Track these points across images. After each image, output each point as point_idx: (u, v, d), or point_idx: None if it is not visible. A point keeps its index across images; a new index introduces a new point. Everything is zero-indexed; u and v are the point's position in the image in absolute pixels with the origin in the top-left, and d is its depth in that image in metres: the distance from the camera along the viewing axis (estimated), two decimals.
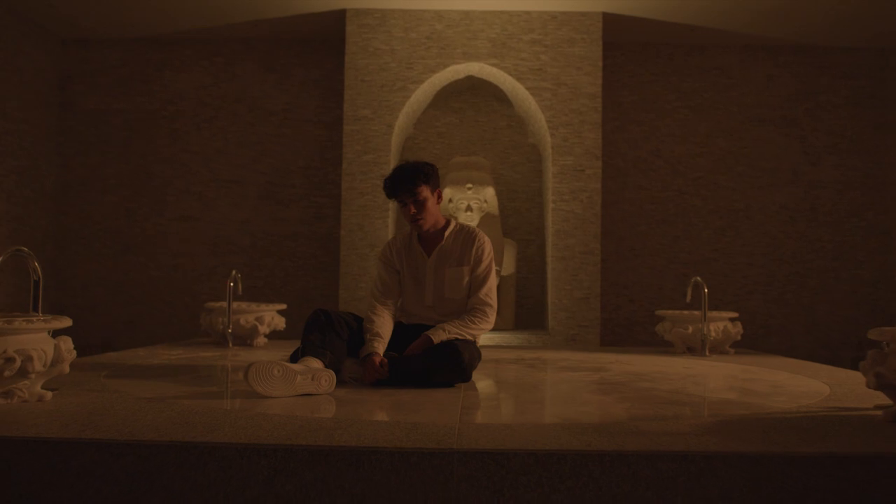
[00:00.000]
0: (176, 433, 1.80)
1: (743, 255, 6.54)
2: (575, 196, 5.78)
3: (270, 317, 4.36)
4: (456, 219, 2.98)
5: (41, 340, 2.14)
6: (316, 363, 2.56)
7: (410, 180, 2.87)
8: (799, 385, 2.94)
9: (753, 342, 6.21)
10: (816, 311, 6.49)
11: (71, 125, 6.61)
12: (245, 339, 4.30)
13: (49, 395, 2.22)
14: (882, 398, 2.44)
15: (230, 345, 4.18)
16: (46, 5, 5.87)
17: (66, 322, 2.23)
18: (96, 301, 6.50)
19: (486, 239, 3.02)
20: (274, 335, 4.62)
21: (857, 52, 6.59)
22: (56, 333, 2.34)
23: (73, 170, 6.61)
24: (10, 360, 2.02)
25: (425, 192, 2.89)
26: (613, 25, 6.03)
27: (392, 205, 5.81)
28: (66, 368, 2.24)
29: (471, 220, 5.83)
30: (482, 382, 2.93)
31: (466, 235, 3.00)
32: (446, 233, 3.00)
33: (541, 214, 6.54)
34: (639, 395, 2.62)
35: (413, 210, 2.90)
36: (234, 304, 4.20)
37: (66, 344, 2.23)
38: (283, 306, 4.50)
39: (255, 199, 6.56)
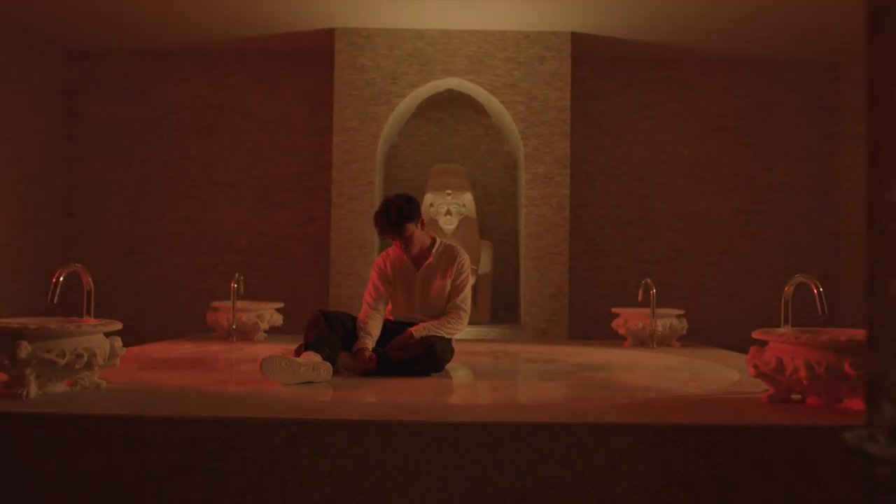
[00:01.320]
0: (214, 410, 2.42)
1: (702, 254, 7.20)
2: (545, 201, 6.41)
3: (269, 314, 4.98)
4: (437, 236, 3.61)
5: (100, 340, 2.75)
6: (316, 357, 3.18)
7: (397, 224, 3.47)
8: (715, 373, 3.59)
9: (710, 336, 6.88)
10: (769, 306, 7.16)
11: (77, 133, 7.16)
12: (247, 334, 4.91)
13: (104, 383, 2.84)
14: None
15: (234, 339, 4.79)
16: (53, 20, 6.41)
17: (118, 325, 2.84)
18: (102, 298, 7.05)
19: (466, 255, 3.66)
20: (273, 330, 5.23)
21: (809, 66, 7.24)
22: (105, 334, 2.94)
23: (79, 174, 7.16)
24: (79, 356, 2.62)
25: (411, 228, 3.50)
26: (582, 43, 6.64)
27: (369, 208, 6.41)
28: (118, 362, 2.85)
29: (450, 223, 6.45)
30: (454, 372, 3.57)
31: (450, 253, 3.63)
32: (433, 251, 3.63)
33: (515, 217, 7.17)
34: (579, 382, 3.26)
35: (403, 244, 3.53)
36: (238, 303, 4.81)
37: (117, 342, 2.83)
38: (281, 304, 5.11)
39: (251, 202, 7.14)
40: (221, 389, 2.86)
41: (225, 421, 2.32)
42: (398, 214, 3.46)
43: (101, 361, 2.70)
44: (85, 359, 2.63)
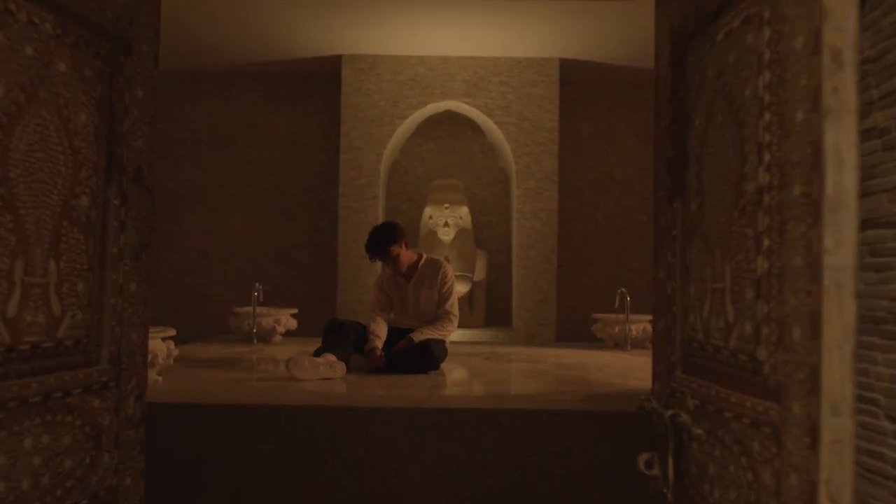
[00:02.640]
0: (255, 399, 3.09)
1: None
2: (535, 215, 7.08)
3: (285, 319, 5.65)
4: (423, 252, 4.34)
5: (159, 343, 3.41)
6: (332, 357, 3.85)
7: (381, 249, 4.15)
8: None
9: None
10: None
11: None
12: (265, 336, 5.58)
13: (161, 379, 3.51)
14: None
15: (255, 341, 5.46)
16: None
17: (172, 332, 3.51)
18: None
19: (448, 266, 4.33)
20: (288, 334, 5.90)
21: None
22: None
23: None
24: (153, 356, 3.29)
25: (395, 250, 4.18)
26: (571, 67, 7.30)
27: (374, 220, 7.08)
28: (172, 362, 3.52)
29: (447, 234, 7.12)
30: (449, 370, 4.23)
31: (434, 265, 4.31)
32: (419, 265, 4.30)
33: (508, 229, 7.84)
34: (553, 379, 3.93)
35: (391, 264, 4.21)
36: (257, 309, 5.48)
37: (170, 345, 3.50)
38: (296, 310, 5.78)
39: (264, 213, 7.81)
40: (255, 383, 3.53)
41: (264, 407, 2.98)
42: (380, 243, 4.14)
43: (160, 361, 3.37)
44: (149, 359, 3.29)
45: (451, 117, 7.77)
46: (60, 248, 1.54)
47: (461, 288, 6.91)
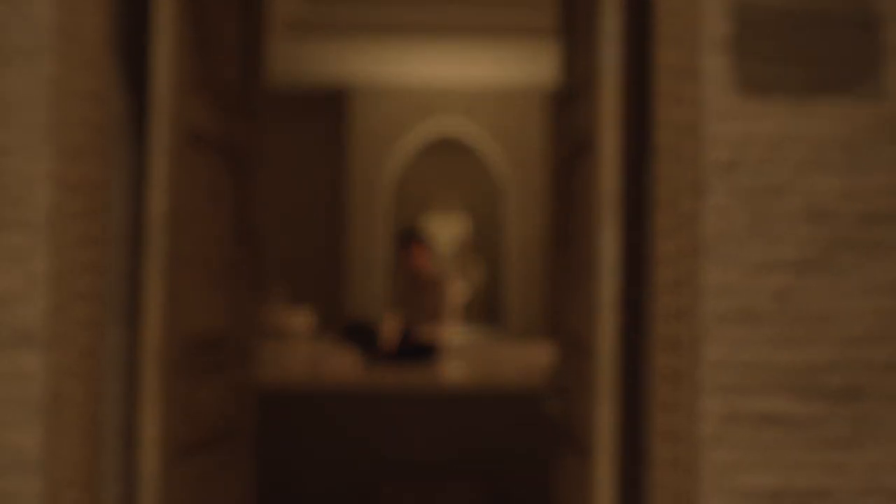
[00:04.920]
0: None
1: None
2: (528, 223, 8.12)
3: (304, 318, 6.70)
4: (430, 260, 5.39)
5: None
6: (351, 350, 4.89)
7: (406, 243, 5.20)
8: None
9: None
10: None
11: None
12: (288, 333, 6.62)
13: None
14: None
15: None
16: None
17: None
18: None
19: (449, 272, 5.37)
20: (307, 332, 6.94)
21: None
22: None
23: None
24: None
25: (416, 248, 5.23)
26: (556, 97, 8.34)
27: (381, 233, 8.13)
28: None
29: (449, 243, 8.18)
30: (448, 363, 5.26)
31: (437, 272, 5.35)
32: (427, 271, 5.35)
33: (503, 238, 8.88)
34: (539, 371, 4.97)
35: (412, 256, 5.25)
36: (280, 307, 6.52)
37: None
38: (312, 310, 6.81)
39: (280, 226, 8.85)
40: (288, 375, 4.57)
41: (293, 391, 4.02)
42: (408, 236, 5.20)
43: None
44: None
45: (450, 140, 8.82)
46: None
47: (462, 291, 7.96)
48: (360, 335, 5.09)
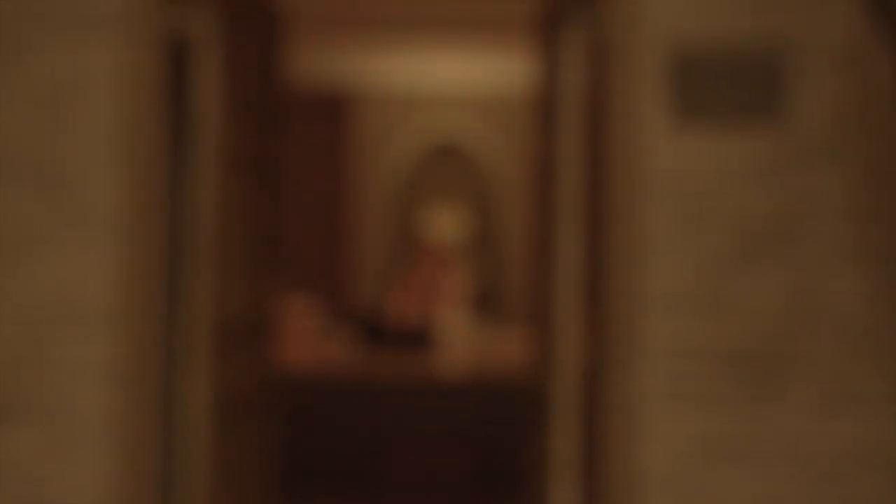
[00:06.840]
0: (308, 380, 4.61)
1: None
2: (523, 223, 8.58)
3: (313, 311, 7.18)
4: (439, 256, 5.89)
5: None
6: (360, 339, 5.37)
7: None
8: None
9: None
10: None
11: None
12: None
13: None
14: None
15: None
16: None
17: None
18: None
19: (457, 267, 5.86)
20: (314, 324, 7.42)
21: None
22: None
23: None
24: None
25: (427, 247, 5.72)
26: None
27: (384, 235, 8.60)
28: None
29: (451, 242, 8.65)
30: (449, 350, 5.74)
31: (446, 265, 5.83)
32: (436, 265, 5.84)
33: (501, 236, 9.35)
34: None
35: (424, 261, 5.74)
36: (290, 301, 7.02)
37: None
38: (320, 304, 7.30)
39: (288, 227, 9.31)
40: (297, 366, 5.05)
41: (307, 382, 4.50)
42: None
43: None
44: None
45: (447, 146, 9.28)
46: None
47: (464, 283, 8.43)
48: (369, 324, 5.58)
